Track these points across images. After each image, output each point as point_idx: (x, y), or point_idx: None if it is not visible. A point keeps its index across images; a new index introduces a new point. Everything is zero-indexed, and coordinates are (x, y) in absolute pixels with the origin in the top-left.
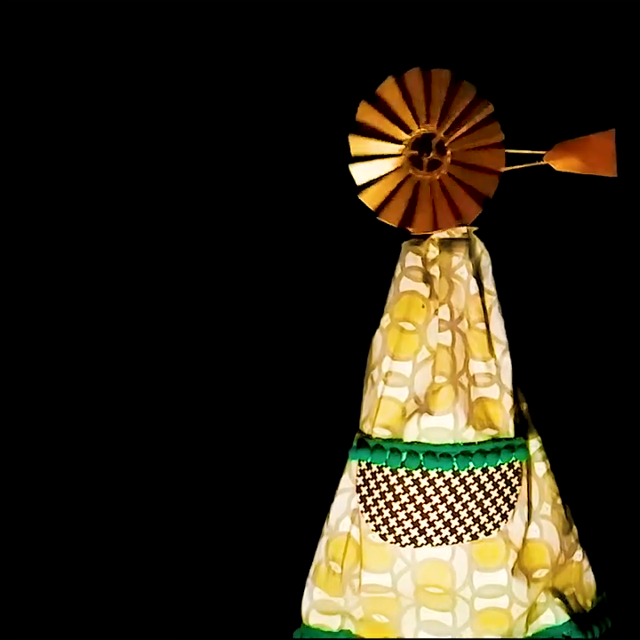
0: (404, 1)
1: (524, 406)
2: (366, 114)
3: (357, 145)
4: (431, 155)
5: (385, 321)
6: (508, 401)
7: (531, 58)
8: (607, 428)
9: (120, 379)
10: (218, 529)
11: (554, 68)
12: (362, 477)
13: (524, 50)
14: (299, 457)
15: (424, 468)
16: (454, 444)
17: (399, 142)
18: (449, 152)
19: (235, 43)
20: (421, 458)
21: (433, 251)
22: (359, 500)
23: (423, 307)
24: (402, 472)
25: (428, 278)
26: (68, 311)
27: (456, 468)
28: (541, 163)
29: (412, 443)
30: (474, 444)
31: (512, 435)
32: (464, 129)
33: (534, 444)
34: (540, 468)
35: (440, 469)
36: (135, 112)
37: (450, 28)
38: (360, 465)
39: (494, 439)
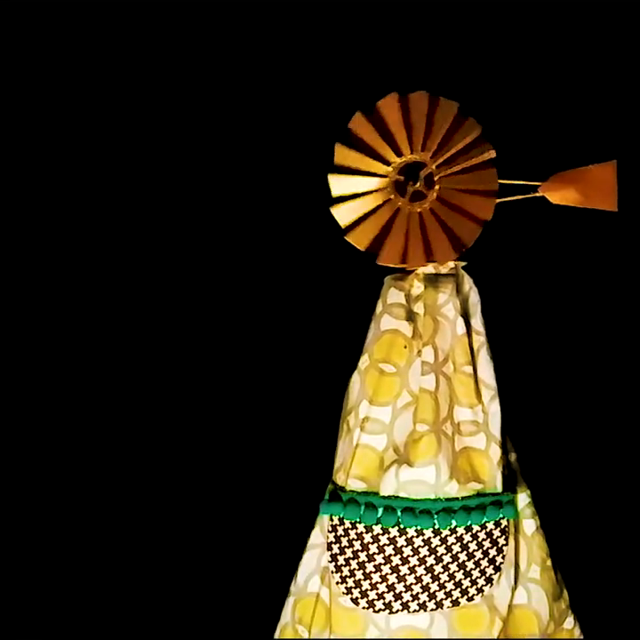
0: (399, 26)
1: (513, 457)
2: (344, 154)
3: (339, 184)
4: (419, 184)
5: (363, 362)
6: (495, 452)
7: (527, 83)
8: (602, 481)
9: (105, 385)
10: (177, 586)
11: (551, 93)
12: (333, 534)
13: (520, 74)
14: (266, 507)
15: (402, 526)
16: (435, 500)
17: (384, 175)
18: (437, 186)
19: (214, 64)
20: (399, 514)
21: (417, 286)
22: (329, 559)
23: (405, 347)
24: (377, 530)
25: (411, 316)
26: (63, 310)
27: (437, 527)
28: (536, 194)
29: (389, 497)
30: (457, 499)
31: (499, 489)
32: (458, 168)
33: (523, 498)
34: (529, 525)
35: (419, 527)
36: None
37: (443, 55)
38: (332, 520)
39: (480, 494)
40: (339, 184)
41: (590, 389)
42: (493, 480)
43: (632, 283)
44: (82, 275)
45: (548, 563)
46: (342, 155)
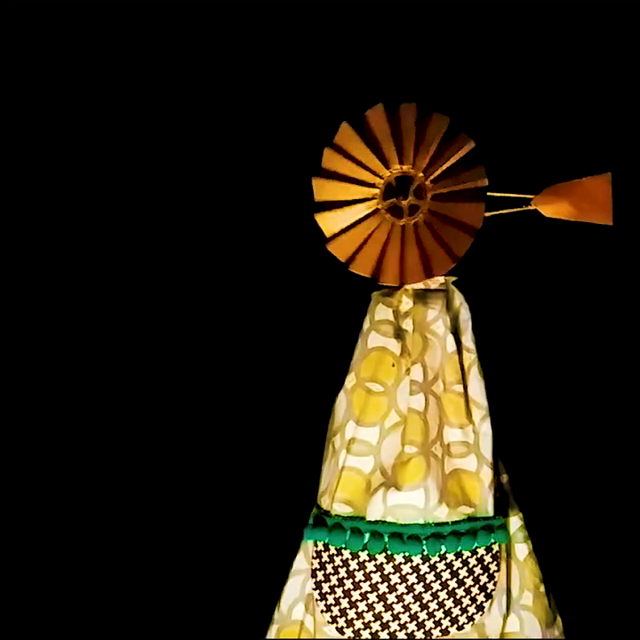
0: (390, 37)
1: (505, 478)
2: (332, 159)
3: (323, 190)
4: (409, 199)
5: (350, 381)
6: (486, 474)
7: (519, 94)
8: (597, 504)
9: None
10: (157, 610)
11: (544, 104)
12: (318, 560)
13: (512, 85)
14: (249, 531)
15: (389, 552)
16: (424, 525)
17: (372, 185)
18: (428, 199)
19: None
20: (386, 540)
21: (406, 302)
22: (314, 586)
23: (393, 365)
24: (363, 556)
25: (399, 333)
26: (54, 310)
27: (425, 553)
28: (529, 208)
29: (376, 522)
30: (447, 524)
31: (491, 513)
32: (449, 182)
33: (515, 522)
34: (522, 549)
35: (407, 554)
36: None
37: (434, 66)
38: (316, 545)
39: (470, 518)
40: (323, 189)
41: (585, 408)
42: (484, 503)
43: (628, 300)
44: (75, 277)
45: (541, 589)
46: (331, 159)
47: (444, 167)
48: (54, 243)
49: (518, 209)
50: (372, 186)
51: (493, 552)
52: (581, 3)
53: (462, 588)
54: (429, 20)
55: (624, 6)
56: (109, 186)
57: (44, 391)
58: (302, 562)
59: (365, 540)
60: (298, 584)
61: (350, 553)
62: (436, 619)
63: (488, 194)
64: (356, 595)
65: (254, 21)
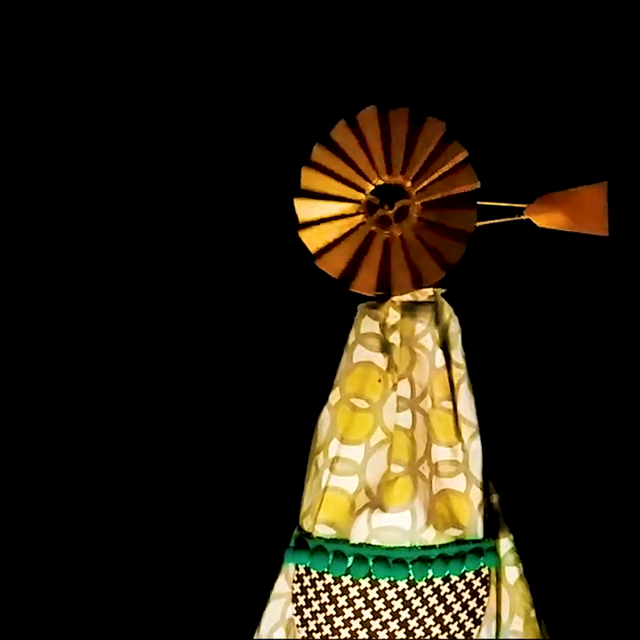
0: (380, 41)
1: (495, 498)
2: (312, 178)
3: (306, 209)
4: (395, 208)
5: (334, 396)
6: (476, 494)
7: (512, 100)
8: (590, 525)
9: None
10: (137, 634)
11: (537, 110)
12: (299, 584)
13: (505, 91)
14: (228, 552)
15: (373, 577)
16: (411, 548)
17: (356, 200)
18: (416, 207)
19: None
20: (370, 564)
21: (393, 315)
22: (295, 612)
23: (380, 381)
24: (347, 581)
25: (386, 347)
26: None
27: (412, 577)
28: (522, 217)
29: (360, 545)
30: (434, 547)
31: (480, 535)
32: (438, 187)
33: (505, 543)
34: (512, 573)
35: (392, 579)
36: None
37: (426, 73)
38: (298, 569)
39: (459, 541)
40: (305, 209)
41: (579, 425)
42: (474, 525)
43: (625, 315)
44: (58, 280)
45: (532, 614)
46: (309, 178)
47: (434, 177)
48: (40, 243)
49: (510, 219)
50: (356, 199)
51: (482, 576)
52: (574, 11)
53: (450, 613)
54: (421, 27)
55: (617, 13)
56: (94, 192)
57: (31, 388)
58: (283, 585)
59: (349, 564)
60: (278, 608)
61: (333, 577)
62: None
63: (479, 203)
64: (338, 621)
65: (237, 26)
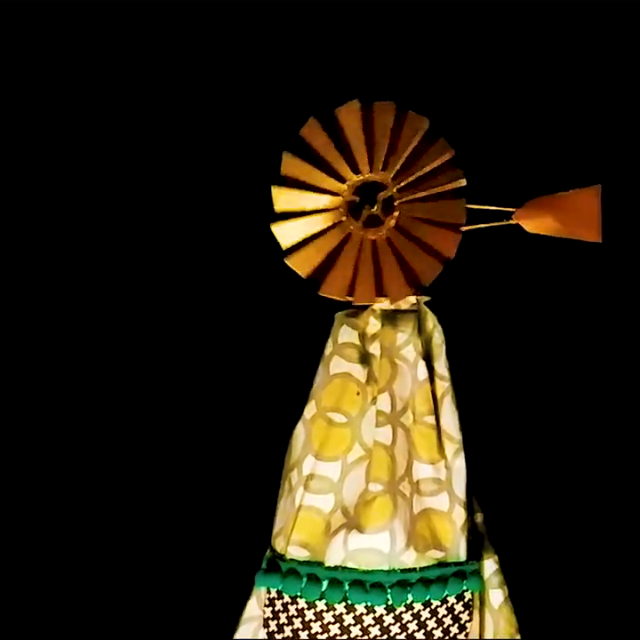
0: (369, 39)
1: (479, 517)
2: (293, 164)
3: (284, 198)
4: (376, 208)
5: (309, 410)
6: (459, 514)
7: (501, 97)
8: (578, 545)
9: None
10: None
11: (527, 108)
12: (271, 608)
13: (493, 88)
14: (197, 572)
15: (349, 602)
16: (389, 571)
17: (336, 193)
18: (399, 205)
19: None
20: (346, 588)
21: (373, 324)
22: (266, 637)
23: (358, 394)
24: (321, 605)
25: (365, 358)
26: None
27: (390, 603)
28: (510, 222)
29: (335, 568)
30: (414, 570)
31: (463, 558)
32: (422, 194)
33: (490, 565)
34: (496, 596)
35: (370, 604)
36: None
37: (412, 70)
38: (269, 592)
39: (441, 564)
40: (283, 198)
41: (567, 441)
42: (456, 547)
43: (617, 325)
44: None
45: (517, 639)
46: (290, 165)
47: (417, 175)
48: (12, 241)
49: (498, 223)
50: (336, 194)
51: (465, 600)
52: (564, 11)
53: None
54: (409, 26)
55: (608, 14)
56: (66, 189)
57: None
58: (255, 608)
59: (323, 588)
60: (249, 632)
61: (306, 602)
62: None
63: (466, 206)
64: None
65: (217, 15)
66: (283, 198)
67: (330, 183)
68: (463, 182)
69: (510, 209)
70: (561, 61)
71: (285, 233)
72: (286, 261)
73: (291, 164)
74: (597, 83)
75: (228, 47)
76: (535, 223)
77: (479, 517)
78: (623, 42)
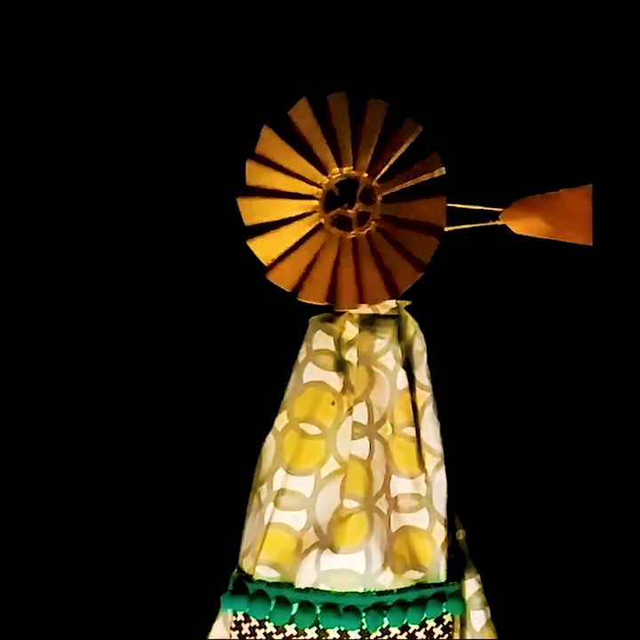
0: (355, 38)
1: (461, 535)
2: (257, 172)
3: (253, 210)
4: (356, 207)
5: (281, 421)
6: (439, 532)
7: (486, 93)
8: (564, 564)
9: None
10: None
11: (515, 104)
12: (237, 632)
13: (478, 83)
14: (161, 594)
15: (321, 627)
16: (364, 594)
17: (310, 197)
18: (379, 203)
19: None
20: (318, 612)
21: (350, 329)
22: None
23: (333, 404)
24: (291, 630)
25: (341, 366)
26: None
27: (365, 627)
28: (496, 223)
29: (306, 590)
30: (391, 592)
31: (443, 578)
32: (402, 182)
33: (472, 585)
34: (479, 618)
35: (343, 628)
36: None
37: (393, 65)
38: (236, 615)
39: (419, 585)
40: (252, 210)
41: (555, 455)
42: (436, 567)
43: (608, 334)
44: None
45: None
46: (255, 174)
47: (391, 162)
48: None
49: (483, 224)
50: (310, 197)
51: (445, 624)
52: (552, 10)
53: None
54: (395, 25)
55: (593, 11)
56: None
57: None
58: (221, 631)
59: (293, 612)
60: None
61: (275, 626)
62: None
63: (449, 205)
64: None
65: (185, 10)
66: (251, 211)
67: (301, 186)
68: (442, 170)
69: (496, 209)
70: (551, 55)
71: (263, 248)
72: (268, 278)
73: (255, 173)
74: (588, 77)
75: (213, 39)
76: (523, 224)
77: (461, 535)
78: (612, 38)
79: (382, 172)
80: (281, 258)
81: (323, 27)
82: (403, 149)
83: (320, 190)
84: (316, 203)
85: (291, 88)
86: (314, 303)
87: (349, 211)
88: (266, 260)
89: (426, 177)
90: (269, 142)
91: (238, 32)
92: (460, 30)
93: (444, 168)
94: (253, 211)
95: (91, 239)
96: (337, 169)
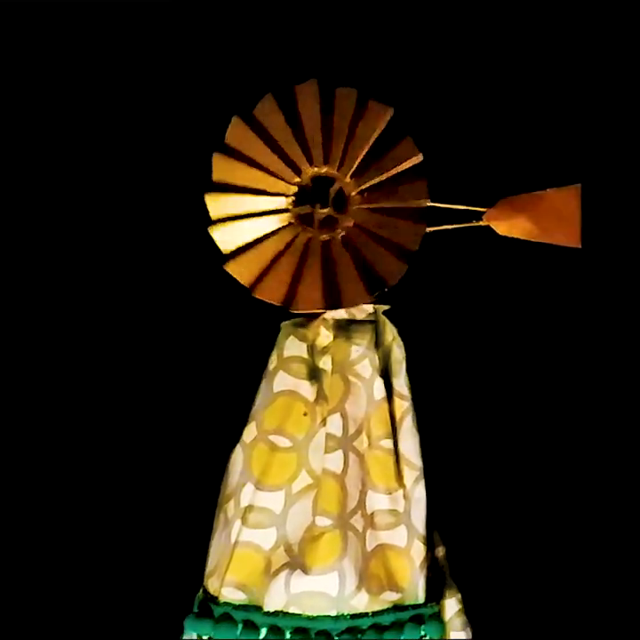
0: (333, 33)
1: (441, 552)
2: (226, 167)
3: (220, 205)
4: (328, 208)
5: (249, 432)
6: (418, 550)
7: (469, 88)
8: (548, 581)
9: None
10: None
11: (500, 98)
12: None
13: (460, 77)
14: (122, 615)
15: None
16: (338, 617)
17: (280, 194)
18: (355, 198)
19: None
20: (288, 637)
21: (325, 335)
22: None
23: (305, 414)
24: None
25: (314, 374)
26: None
27: None
28: (480, 223)
29: (276, 613)
30: (366, 615)
31: (421, 599)
32: (378, 176)
33: (452, 605)
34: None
35: None
36: None
37: (374, 58)
38: (200, 639)
39: (396, 607)
40: (219, 205)
41: (539, 468)
42: (414, 587)
43: (596, 341)
44: None
45: None
46: (223, 168)
47: (362, 155)
48: None
49: (467, 224)
50: (282, 195)
51: None
52: (536, 7)
53: None
54: (376, 23)
55: (578, 9)
56: None
57: None
58: None
59: (261, 636)
60: None
61: None
62: None
63: (431, 204)
64: None
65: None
66: (218, 206)
67: (271, 183)
68: (420, 157)
69: (480, 209)
70: (538, 49)
71: (225, 237)
72: (225, 268)
73: (223, 168)
74: (575, 73)
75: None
76: (508, 225)
77: (441, 552)
78: (596, 35)
79: (355, 166)
80: (241, 250)
81: (298, 17)
82: (373, 138)
83: (292, 188)
84: (287, 200)
85: (258, 80)
86: (269, 302)
87: (321, 211)
88: (225, 250)
89: (403, 166)
90: (239, 134)
91: (204, 22)
92: (441, 25)
93: (420, 154)
94: (220, 206)
95: (49, 233)
96: (309, 167)
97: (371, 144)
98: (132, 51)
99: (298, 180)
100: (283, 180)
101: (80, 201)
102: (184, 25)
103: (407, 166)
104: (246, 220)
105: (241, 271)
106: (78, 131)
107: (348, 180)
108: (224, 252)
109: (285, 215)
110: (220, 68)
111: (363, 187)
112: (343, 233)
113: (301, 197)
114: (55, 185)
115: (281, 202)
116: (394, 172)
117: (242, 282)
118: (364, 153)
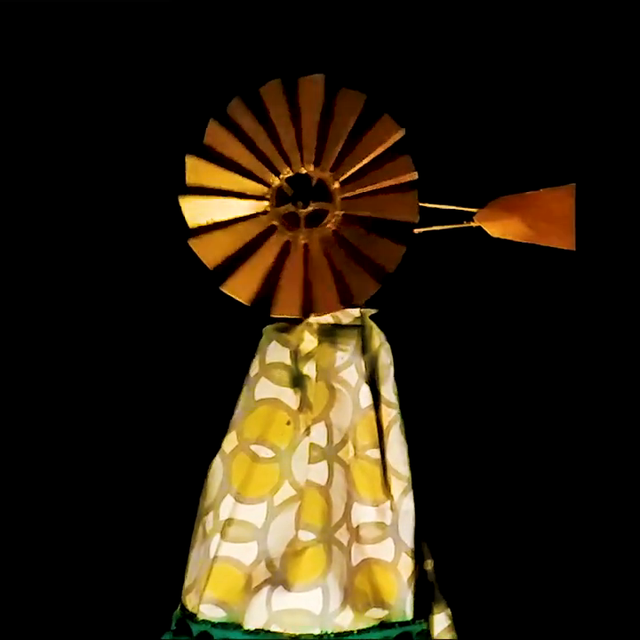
0: (327, 34)
1: (430, 565)
2: (200, 169)
3: (196, 210)
4: (311, 206)
5: (229, 442)
6: (405, 564)
7: (462, 86)
8: (539, 594)
9: None
10: None
11: (492, 97)
12: None
13: (453, 76)
14: (100, 633)
15: None
16: (321, 636)
17: (261, 197)
18: (338, 202)
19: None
20: None
21: (309, 341)
22: None
23: (289, 423)
24: None
25: (298, 381)
26: None
27: None
28: (471, 224)
29: (256, 631)
30: (351, 633)
31: (409, 616)
32: (366, 180)
33: (441, 620)
34: None
35: None
36: None
37: (367, 64)
38: None
39: (383, 624)
40: (196, 210)
41: (532, 478)
42: (402, 603)
43: (589, 346)
44: None
45: None
46: (197, 170)
47: (361, 164)
48: None
49: (458, 226)
50: (261, 198)
51: None
52: (528, 6)
53: None
54: (367, 22)
55: (569, 8)
56: None
57: None
58: None
59: None
60: None
61: None
62: None
63: (421, 205)
64: None
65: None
66: (195, 211)
67: (249, 185)
68: (415, 176)
69: (471, 209)
70: (531, 50)
71: (195, 210)
72: (223, 290)
73: (197, 170)
74: (568, 73)
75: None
76: (500, 226)
77: (429, 565)
78: (587, 36)
79: (348, 174)
80: (234, 266)
81: (297, 17)
82: (378, 152)
83: (270, 189)
84: (266, 203)
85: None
86: (237, 299)
87: (302, 210)
88: (210, 263)
89: (387, 144)
90: (217, 136)
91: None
92: (434, 28)
93: (415, 173)
94: (197, 211)
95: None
96: (287, 167)
97: (348, 132)
98: (106, 53)
99: (277, 181)
100: (261, 182)
101: (52, 210)
102: (155, 27)
103: (391, 143)
104: (227, 227)
105: (205, 251)
106: (58, 131)
107: (327, 173)
108: (210, 266)
109: (264, 217)
110: (186, 72)
111: (345, 176)
112: (334, 227)
113: (281, 198)
114: (31, 183)
115: (260, 204)
116: (380, 151)
117: (206, 263)
118: (341, 144)
